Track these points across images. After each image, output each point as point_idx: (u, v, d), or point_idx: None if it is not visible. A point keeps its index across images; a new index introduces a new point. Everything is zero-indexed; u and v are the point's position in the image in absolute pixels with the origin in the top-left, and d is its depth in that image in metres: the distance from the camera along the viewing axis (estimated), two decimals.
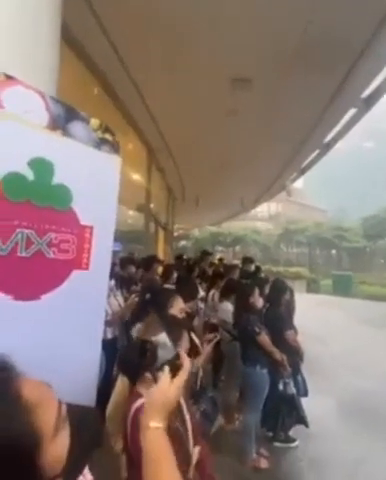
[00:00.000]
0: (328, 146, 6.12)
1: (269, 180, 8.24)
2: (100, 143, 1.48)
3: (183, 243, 30.91)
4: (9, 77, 1.14)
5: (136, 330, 0.81)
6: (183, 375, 0.74)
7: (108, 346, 2.12)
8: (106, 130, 1.51)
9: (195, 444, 1.17)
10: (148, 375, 0.75)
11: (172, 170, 7.52)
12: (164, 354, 0.76)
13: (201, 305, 3.96)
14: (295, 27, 2.96)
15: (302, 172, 7.90)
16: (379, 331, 8.52)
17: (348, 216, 39.92)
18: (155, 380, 0.74)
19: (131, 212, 8.68)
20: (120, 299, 3.27)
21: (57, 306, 1.34)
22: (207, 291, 4.61)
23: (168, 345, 0.77)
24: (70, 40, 2.98)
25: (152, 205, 7.11)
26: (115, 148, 1.55)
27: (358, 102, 4.57)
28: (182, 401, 1.25)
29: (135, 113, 4.69)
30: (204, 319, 3.87)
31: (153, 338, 0.78)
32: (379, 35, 3.05)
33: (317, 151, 6.37)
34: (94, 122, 1.45)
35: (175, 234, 16.28)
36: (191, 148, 5.98)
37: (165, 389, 0.72)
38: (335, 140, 5.90)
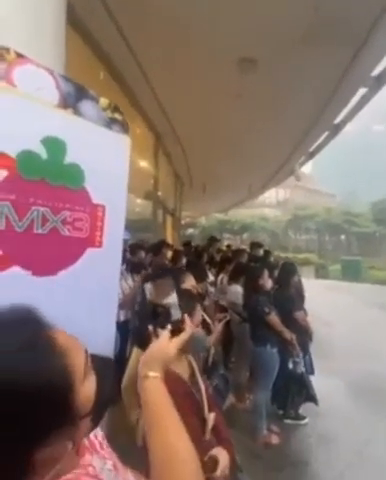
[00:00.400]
0: (338, 128, 6.00)
1: (277, 164, 8.14)
2: (110, 123, 1.48)
3: (190, 231, 30.92)
4: (19, 55, 1.15)
5: (147, 291, 0.83)
6: (183, 336, 0.77)
7: (120, 328, 2.18)
8: (115, 110, 1.51)
9: (210, 411, 1.22)
10: (150, 329, 0.78)
11: (179, 156, 7.48)
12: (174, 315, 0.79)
13: (211, 289, 4.01)
14: (304, 5, 2.87)
15: (311, 155, 7.78)
16: None
17: (358, 200, 39.33)
18: (157, 337, 0.77)
19: (139, 200, 8.70)
20: (131, 283, 3.34)
21: (72, 283, 1.38)
22: (216, 276, 4.65)
23: (178, 310, 0.79)
24: (75, 23, 2.95)
25: (160, 192, 7.12)
26: (125, 128, 1.56)
27: (369, 81, 4.45)
28: (197, 370, 1.30)
29: (141, 98, 4.65)
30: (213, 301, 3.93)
31: (164, 301, 0.80)
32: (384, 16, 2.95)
33: (326, 133, 6.25)
34: (103, 101, 1.45)
35: (182, 222, 16.29)
36: (198, 133, 5.93)
37: (164, 345, 0.75)
38: (345, 121, 5.78)
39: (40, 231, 1.23)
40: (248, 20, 3.05)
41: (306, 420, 3.26)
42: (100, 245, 1.48)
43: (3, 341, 0.46)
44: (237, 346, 3.51)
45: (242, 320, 3.30)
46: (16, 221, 1.17)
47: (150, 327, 0.78)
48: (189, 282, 1.69)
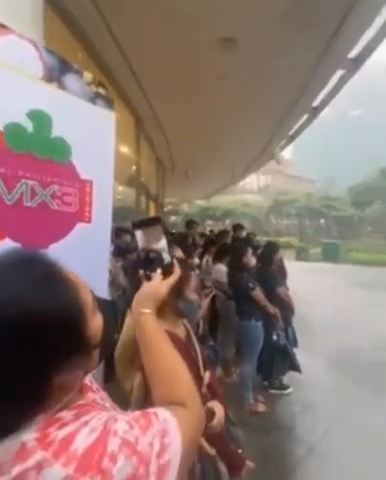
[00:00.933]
0: (316, 111, 6.09)
1: (259, 147, 8.19)
2: (94, 97, 1.49)
3: (173, 218, 30.86)
4: (2, 25, 1.14)
5: (139, 238, 0.86)
6: (174, 277, 0.83)
7: None
8: (100, 84, 1.51)
9: (205, 369, 1.30)
10: (141, 273, 0.83)
11: (161, 141, 7.41)
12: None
13: (196, 271, 4.10)
14: None
15: (291, 139, 7.87)
16: (368, 292, 8.91)
17: (336, 185, 40.18)
18: (147, 279, 0.82)
19: (121, 188, 8.61)
20: (117, 265, 3.37)
21: (64, 257, 1.40)
22: (200, 258, 4.74)
23: (168, 254, 0.84)
24: (53, 2, 2.85)
25: (142, 178, 7.06)
26: (109, 104, 1.57)
27: (346, 62, 4.52)
28: (192, 332, 1.37)
29: (121, 80, 4.56)
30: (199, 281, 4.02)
31: (155, 246, 0.84)
32: None
33: (306, 116, 6.33)
34: (87, 75, 1.46)
35: (165, 209, 16.24)
36: (180, 116, 5.88)
37: (156, 285, 0.80)
38: (323, 104, 5.87)
39: (29, 204, 1.24)
40: None
41: (290, 390, 3.45)
42: (89, 221, 1.51)
43: (21, 276, 0.50)
44: (223, 323, 3.63)
45: (227, 297, 3.41)
46: (6, 194, 1.18)
47: (141, 271, 0.83)
48: (178, 254, 1.75)
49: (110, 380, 1.59)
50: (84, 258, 1.51)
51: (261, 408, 3.07)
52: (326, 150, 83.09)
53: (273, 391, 3.41)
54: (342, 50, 4.12)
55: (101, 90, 1.52)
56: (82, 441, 0.49)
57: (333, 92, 5.39)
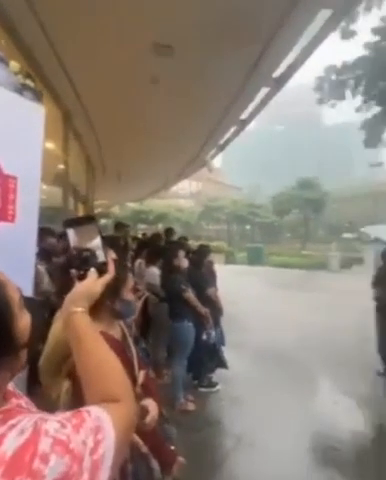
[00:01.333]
0: (244, 123, 6.50)
1: (191, 154, 8.42)
2: (22, 89, 1.40)
3: (103, 221, 29.85)
4: None
5: (71, 237, 0.83)
6: (109, 276, 0.83)
7: None
8: (28, 76, 1.43)
9: (140, 369, 1.30)
10: (73, 273, 0.81)
11: (92, 141, 7.15)
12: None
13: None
14: (213, 3, 3.05)
15: (221, 148, 8.25)
16: (286, 292, 9.72)
17: (261, 194, 43.12)
18: (80, 279, 0.80)
19: (45, 187, 8.07)
20: (41, 269, 3.16)
21: None
22: (132, 261, 4.69)
23: (102, 253, 0.83)
24: None
25: (70, 177, 6.73)
26: (38, 96, 1.49)
27: (270, 81, 4.92)
28: (127, 333, 1.37)
29: (49, 72, 4.31)
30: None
31: (89, 245, 0.82)
32: (287, 19, 3.33)
33: (234, 127, 6.71)
34: (14, 65, 1.37)
35: (95, 211, 15.63)
36: (112, 116, 5.76)
37: (90, 283, 0.79)
38: (250, 117, 6.29)
39: None
40: (163, 5, 3.10)
41: (218, 387, 3.60)
42: (12, 220, 1.41)
43: None
44: (154, 325, 3.64)
45: (160, 300, 3.43)
46: None
47: (73, 271, 0.81)
48: (111, 256, 1.72)
49: (32, 394, 1.49)
50: (6, 259, 1.40)
51: (191, 407, 3.15)
52: (252, 161, 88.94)
53: (203, 389, 3.52)
54: (267, 70, 4.48)
55: (29, 82, 1.43)
56: (10, 444, 0.48)
57: (259, 107, 5.81)
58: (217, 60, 4.08)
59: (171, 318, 3.09)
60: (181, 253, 3.15)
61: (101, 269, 0.81)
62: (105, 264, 0.82)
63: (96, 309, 1.11)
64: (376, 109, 12.42)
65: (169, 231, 5.82)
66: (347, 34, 11.41)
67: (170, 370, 3.42)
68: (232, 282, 10.62)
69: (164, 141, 7.05)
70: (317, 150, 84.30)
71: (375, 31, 11.31)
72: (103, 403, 0.63)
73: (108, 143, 7.36)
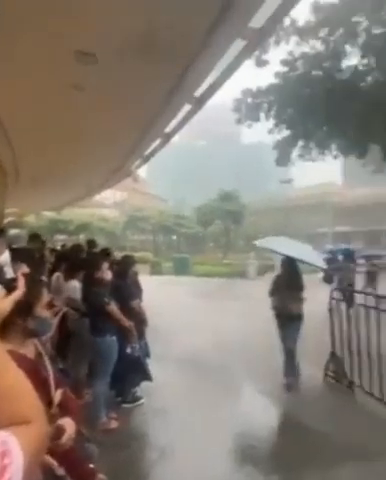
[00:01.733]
0: (168, 136, 6.67)
1: (115, 163, 8.27)
2: None
3: (15, 231, 27.29)
4: None
5: None
6: (17, 294, 0.79)
7: None
8: None
9: (57, 388, 1.23)
10: None
11: (3, 143, 6.56)
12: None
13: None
14: (140, 14, 3.11)
15: (146, 159, 8.30)
16: (208, 301, 10.09)
17: (185, 205, 44.32)
18: None
19: None
20: None
21: None
22: (50, 274, 4.38)
23: (10, 269, 0.80)
24: None
25: None
26: None
27: (192, 99, 5.17)
28: (43, 351, 1.28)
29: None
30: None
31: None
32: (208, 43, 3.57)
33: (159, 140, 6.84)
34: None
35: (5, 221, 14.21)
36: (29, 121, 5.38)
37: None
38: (174, 131, 6.48)
39: None
40: (85, 13, 3.06)
41: (142, 400, 3.54)
42: None
43: None
44: (75, 342, 3.44)
45: (81, 315, 3.27)
46: None
47: None
48: (24, 270, 1.59)
49: None
50: None
51: (114, 424, 3.03)
52: (177, 173, 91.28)
53: (127, 405, 3.42)
54: (189, 88, 4.70)
55: None
56: None
57: (182, 122, 6.04)
58: (142, 74, 4.15)
59: (93, 333, 2.95)
60: (104, 265, 3.06)
61: (9, 285, 0.77)
62: (14, 280, 0.78)
63: (5, 328, 1.04)
64: (286, 132, 13.86)
65: (91, 242, 5.61)
66: (260, 62, 12.61)
67: (92, 388, 3.25)
68: (158, 293, 10.62)
69: (87, 149, 6.83)
70: (235, 165, 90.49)
71: (284, 62, 12.71)
72: (12, 426, 0.61)
73: (24, 149, 6.83)
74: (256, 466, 2.65)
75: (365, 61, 11.69)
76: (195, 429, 3.15)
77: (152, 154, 7.92)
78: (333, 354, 4.20)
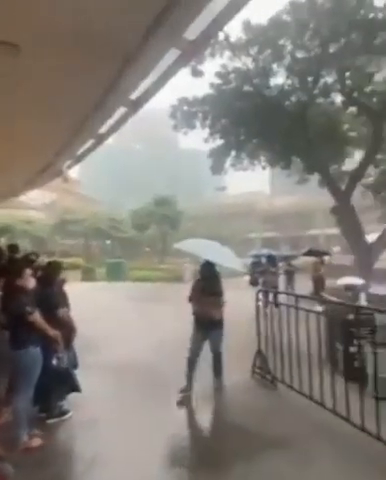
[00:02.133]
0: (102, 137, 6.49)
1: (43, 162, 7.77)
2: None
3: None
4: None
5: None
6: None
7: None
8: None
9: None
10: None
11: None
12: None
13: None
14: (72, 12, 3.00)
15: (78, 160, 7.96)
16: (145, 305, 9.97)
17: (121, 208, 43.32)
18: None
19: None
20: None
21: None
22: None
23: None
24: None
25: None
26: None
27: (127, 102, 5.12)
28: None
29: None
30: None
31: None
32: (143, 49, 3.58)
33: (92, 140, 6.62)
34: None
35: None
36: None
37: None
38: (109, 133, 6.33)
39: None
40: (10, 2, 2.85)
41: (70, 414, 3.34)
42: None
43: None
44: None
45: (0, 327, 2.98)
46: None
47: None
48: None
49: None
50: None
51: (36, 443, 2.81)
52: (113, 175, 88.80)
53: (52, 420, 3.20)
54: (124, 90, 4.65)
55: None
56: None
57: (117, 125, 5.93)
58: (73, 73, 3.98)
59: (13, 346, 2.71)
60: (26, 272, 2.85)
61: None
62: None
63: None
64: (220, 142, 14.45)
65: (13, 247, 5.18)
66: (196, 73, 13.00)
67: (12, 405, 2.98)
68: (90, 300, 10.22)
69: (10, 144, 6.31)
70: (172, 171, 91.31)
71: (218, 75, 13.29)
72: None
73: None
74: (185, 467, 2.69)
75: (290, 81, 12.78)
76: (126, 438, 3.08)
77: (85, 154, 7.62)
78: (259, 352, 4.46)
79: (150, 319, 8.06)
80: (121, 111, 5.51)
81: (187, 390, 3.90)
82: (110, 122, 5.99)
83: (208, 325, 3.96)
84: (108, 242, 35.22)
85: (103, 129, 6.27)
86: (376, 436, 2.81)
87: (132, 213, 33.18)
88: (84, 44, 3.56)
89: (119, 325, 7.46)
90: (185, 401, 3.80)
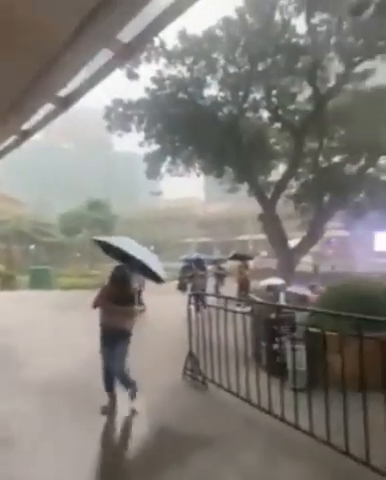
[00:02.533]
0: (26, 134, 6.05)
1: None
2: None
3: None
4: None
5: None
6: None
7: None
8: None
9: None
10: None
11: None
12: None
13: None
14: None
15: None
16: (72, 315, 9.35)
17: (48, 211, 40.58)
18: None
19: None
20: None
21: None
22: None
23: None
24: None
25: None
26: None
27: (55, 99, 4.86)
28: None
29: None
30: None
31: None
32: (74, 45, 3.44)
33: (15, 136, 6.13)
34: None
35: None
36: None
37: None
38: (33, 130, 5.93)
39: None
40: None
41: None
42: None
43: None
44: None
45: None
46: None
47: None
48: None
49: None
50: None
51: None
52: (39, 175, 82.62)
53: None
54: (50, 86, 4.40)
55: None
56: None
57: (43, 121, 5.58)
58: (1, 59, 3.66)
59: None
60: None
61: None
62: None
63: None
64: (155, 146, 14.48)
65: None
66: (132, 75, 12.90)
67: None
68: (9, 311, 9.37)
69: None
70: (106, 173, 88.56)
71: (153, 80, 13.35)
72: None
73: None
74: (116, 475, 2.60)
75: (223, 94, 13.40)
76: (43, 457, 2.87)
77: (6, 151, 7.01)
78: (190, 353, 4.54)
79: (77, 329, 7.61)
80: (48, 108, 5.22)
81: (109, 408, 3.70)
82: (37, 118, 5.62)
83: (114, 337, 3.61)
84: (32, 247, 32.69)
85: (28, 125, 5.86)
86: (294, 425, 3.05)
87: (61, 216, 31.37)
88: (5, 34, 3.31)
89: (41, 338, 6.95)
90: (110, 408, 3.69)
